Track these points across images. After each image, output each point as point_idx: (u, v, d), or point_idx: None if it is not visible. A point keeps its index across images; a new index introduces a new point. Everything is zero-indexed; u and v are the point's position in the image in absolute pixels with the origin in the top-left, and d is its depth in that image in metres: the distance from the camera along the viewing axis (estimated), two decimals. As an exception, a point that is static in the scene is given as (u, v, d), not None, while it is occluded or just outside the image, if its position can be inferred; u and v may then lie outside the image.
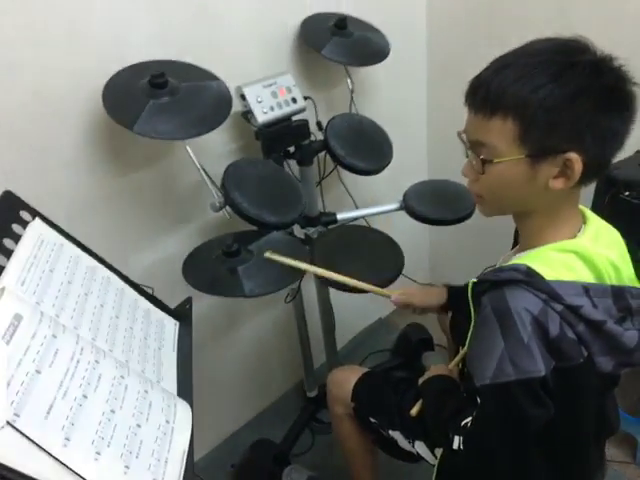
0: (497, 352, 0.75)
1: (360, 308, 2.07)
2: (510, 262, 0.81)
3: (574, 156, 0.72)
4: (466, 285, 1.13)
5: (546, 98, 0.71)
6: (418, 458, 1.15)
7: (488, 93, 0.75)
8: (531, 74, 0.72)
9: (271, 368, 1.88)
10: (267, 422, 1.87)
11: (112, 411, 0.69)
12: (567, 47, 0.74)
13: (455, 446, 0.84)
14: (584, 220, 0.84)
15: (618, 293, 0.77)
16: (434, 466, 1.05)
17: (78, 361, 0.69)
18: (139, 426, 0.71)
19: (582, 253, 0.77)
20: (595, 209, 0.97)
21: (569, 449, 0.87)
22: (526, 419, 0.76)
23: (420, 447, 1.12)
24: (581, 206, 0.85)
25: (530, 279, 0.74)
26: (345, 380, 1.25)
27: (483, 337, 0.79)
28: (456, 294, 1.17)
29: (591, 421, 0.84)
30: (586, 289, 0.75)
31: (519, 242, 0.91)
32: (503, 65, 0.75)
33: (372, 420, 1.20)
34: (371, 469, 1.35)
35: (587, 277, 0.77)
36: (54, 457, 0.60)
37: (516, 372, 0.74)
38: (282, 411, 1.89)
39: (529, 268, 0.75)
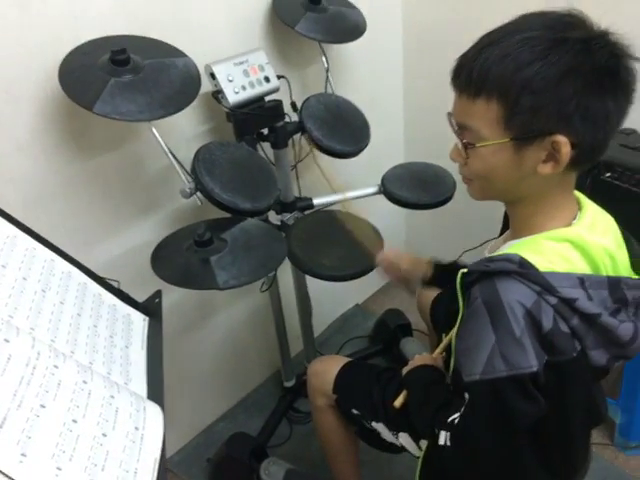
0: (488, 346, 0.72)
1: (336, 294, 2.03)
2: (501, 251, 0.77)
3: (562, 139, 0.68)
4: (450, 266, 1.10)
5: (532, 78, 0.66)
6: (401, 449, 1.12)
7: (471, 73, 0.70)
8: (517, 52, 0.67)
9: (247, 358, 1.83)
10: (244, 413, 1.82)
11: (74, 421, 0.62)
12: (559, 22, 0.69)
13: (442, 442, 0.81)
14: (579, 206, 0.80)
15: (614, 284, 0.74)
16: (418, 458, 1.02)
17: (34, 367, 0.63)
18: (105, 435, 0.64)
19: (578, 242, 0.74)
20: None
21: (558, 443, 0.84)
22: (517, 415, 0.73)
23: (404, 439, 1.08)
24: (576, 192, 0.82)
25: (524, 270, 0.70)
26: (326, 371, 1.20)
27: (473, 330, 0.75)
28: (441, 272, 1.14)
29: (581, 414, 0.81)
30: (582, 280, 0.71)
31: (510, 228, 0.87)
32: (489, 42, 0.70)
33: (354, 412, 1.16)
34: (353, 464, 1.31)
35: (583, 268, 0.74)
36: (8, 476, 0.54)
37: (507, 367, 0.70)
38: (259, 402, 1.85)
39: (522, 258, 0.71)
